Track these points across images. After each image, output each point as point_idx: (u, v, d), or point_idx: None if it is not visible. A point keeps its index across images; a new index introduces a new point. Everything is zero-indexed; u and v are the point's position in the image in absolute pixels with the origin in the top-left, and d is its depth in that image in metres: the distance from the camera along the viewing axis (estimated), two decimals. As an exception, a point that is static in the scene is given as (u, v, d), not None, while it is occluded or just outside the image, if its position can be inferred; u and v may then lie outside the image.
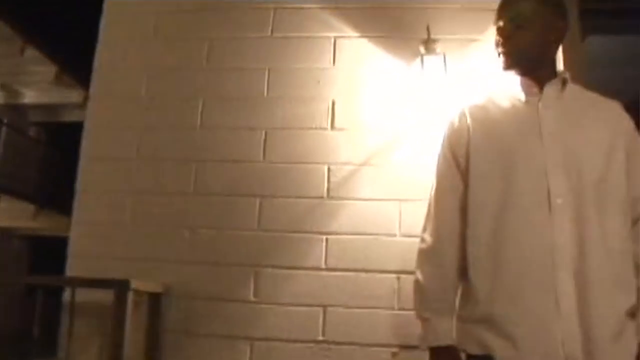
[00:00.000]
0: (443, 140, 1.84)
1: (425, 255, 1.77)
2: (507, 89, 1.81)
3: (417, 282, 1.77)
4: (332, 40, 2.52)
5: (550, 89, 1.76)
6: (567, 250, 1.57)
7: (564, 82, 1.79)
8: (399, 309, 2.21)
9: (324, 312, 2.25)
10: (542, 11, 1.81)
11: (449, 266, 1.72)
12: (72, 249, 2.45)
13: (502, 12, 1.80)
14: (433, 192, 1.81)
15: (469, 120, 1.78)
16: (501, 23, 1.77)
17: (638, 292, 1.63)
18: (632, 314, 1.60)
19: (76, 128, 2.55)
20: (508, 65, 1.78)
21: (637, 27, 2.92)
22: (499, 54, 1.79)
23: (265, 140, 2.44)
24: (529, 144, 1.68)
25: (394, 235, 2.28)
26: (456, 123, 1.81)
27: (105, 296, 2.15)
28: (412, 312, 1.75)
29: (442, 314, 1.70)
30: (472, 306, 1.65)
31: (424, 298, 1.74)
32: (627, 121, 1.79)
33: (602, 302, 1.55)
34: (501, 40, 1.77)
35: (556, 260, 1.56)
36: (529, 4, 1.80)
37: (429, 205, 1.81)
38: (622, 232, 1.63)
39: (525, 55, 1.79)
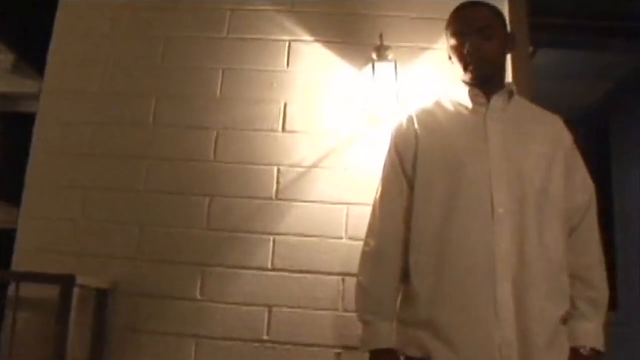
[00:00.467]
0: (390, 145, 1.86)
1: (368, 259, 1.79)
2: (455, 96, 1.85)
3: (359, 285, 1.79)
4: (287, 44, 2.55)
5: (498, 100, 1.80)
6: (507, 258, 1.61)
7: (510, 94, 1.84)
8: (344, 311, 2.24)
9: (270, 312, 2.27)
10: (500, 22, 1.87)
11: (392, 270, 1.74)
12: (20, 243, 2.43)
13: (466, 23, 1.81)
14: (378, 196, 1.84)
15: (416, 126, 1.81)
16: (467, 34, 1.78)
17: (572, 300, 1.70)
18: (565, 320, 1.67)
19: (34, 120, 2.53)
20: (477, 77, 1.79)
21: (585, 43, 3.01)
22: (467, 65, 1.79)
23: (217, 140, 2.45)
24: (475, 153, 1.72)
25: (341, 238, 2.31)
26: (404, 128, 1.84)
27: (52, 292, 2.13)
28: (355, 314, 1.77)
29: (383, 317, 1.72)
30: (413, 310, 1.68)
31: (366, 301, 1.76)
32: (567, 135, 1.86)
33: (539, 310, 1.61)
34: (470, 50, 1.77)
35: (497, 268, 1.60)
36: (491, 15, 1.86)
37: (374, 208, 1.84)
38: (560, 243, 1.70)
39: (493, 65, 1.83)
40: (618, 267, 3.78)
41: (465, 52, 1.78)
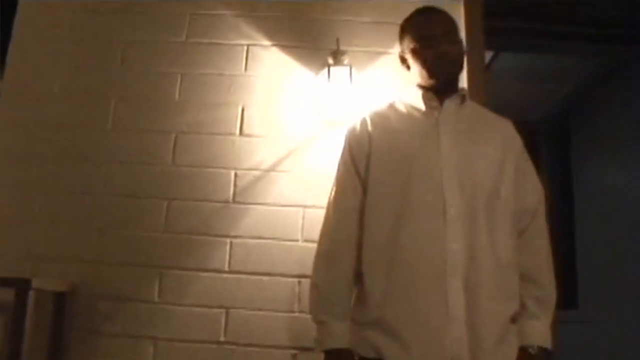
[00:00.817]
0: (344, 146, 1.89)
1: (322, 259, 1.82)
2: (409, 100, 1.89)
3: (313, 285, 1.82)
4: (245, 48, 2.57)
5: (450, 103, 1.84)
6: (458, 258, 1.65)
7: (462, 98, 1.88)
8: (299, 312, 2.27)
9: (227, 314, 2.29)
10: (457, 27, 1.92)
11: (345, 270, 1.76)
12: (-24, 246, 2.43)
13: (432, 27, 1.85)
14: (332, 197, 1.87)
15: (369, 128, 1.84)
16: (434, 38, 1.82)
17: (521, 300, 1.74)
18: (514, 319, 1.71)
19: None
20: (443, 80, 1.84)
21: (543, 47, 3.06)
22: (433, 68, 1.82)
23: (175, 144, 2.46)
24: (427, 155, 1.75)
25: (297, 240, 2.34)
26: (357, 130, 1.87)
27: (9, 295, 2.12)
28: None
29: (337, 317, 1.74)
30: (366, 310, 1.70)
31: (320, 301, 1.78)
32: (517, 139, 1.90)
33: (489, 309, 1.64)
34: (439, 54, 1.81)
35: (448, 268, 1.64)
36: (451, 19, 1.91)
37: (328, 209, 1.87)
38: (510, 243, 1.73)
39: (458, 69, 1.89)
40: (578, 267, 3.85)
41: (433, 55, 1.81)
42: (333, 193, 1.88)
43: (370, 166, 1.80)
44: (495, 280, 1.67)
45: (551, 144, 4.14)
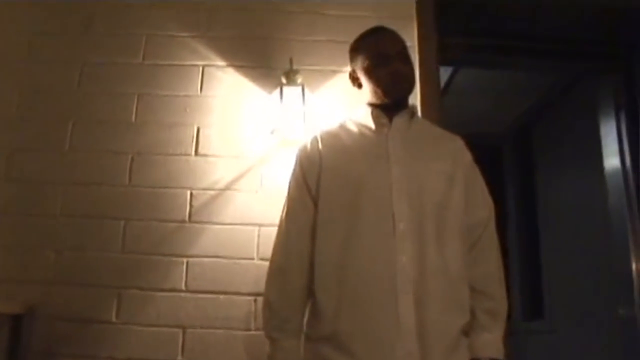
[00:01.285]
0: (295, 164, 1.93)
1: (274, 276, 1.85)
2: (359, 118, 1.92)
3: (265, 302, 1.84)
4: (201, 69, 2.60)
5: (399, 120, 1.87)
6: (408, 272, 1.67)
7: (412, 115, 1.91)
8: (256, 330, 2.28)
9: (184, 333, 2.30)
10: (407, 46, 1.96)
11: (297, 286, 1.79)
12: None
13: (387, 46, 1.90)
14: (284, 214, 1.89)
15: (320, 146, 1.87)
16: (390, 57, 1.87)
17: (472, 312, 1.77)
18: (465, 332, 1.74)
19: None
20: (398, 98, 1.89)
21: (499, 62, 3.11)
22: (389, 86, 1.86)
23: (131, 165, 2.48)
24: (377, 171, 1.78)
25: (252, 259, 2.35)
26: (308, 148, 1.91)
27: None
28: (266, 333, 1.81)
29: (289, 333, 1.77)
30: (319, 325, 1.72)
31: (272, 318, 1.81)
32: (467, 154, 1.94)
33: (439, 322, 1.66)
34: (396, 72, 1.86)
35: (397, 282, 1.66)
36: (402, 40, 1.96)
37: (280, 226, 1.89)
38: (460, 256, 1.76)
39: (412, 87, 1.94)
40: (543, 278, 3.89)
41: (387, 74, 1.86)
42: (285, 210, 1.91)
43: (320, 183, 1.83)
44: (446, 293, 1.70)
45: (514, 156, 4.19)
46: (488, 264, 1.85)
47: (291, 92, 2.37)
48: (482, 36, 2.98)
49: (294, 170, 1.93)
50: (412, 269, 1.68)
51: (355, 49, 2.00)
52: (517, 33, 3.01)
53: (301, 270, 1.80)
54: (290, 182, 1.93)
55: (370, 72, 1.90)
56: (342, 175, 1.81)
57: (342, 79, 2.53)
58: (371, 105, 1.92)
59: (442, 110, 2.53)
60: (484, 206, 1.90)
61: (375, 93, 1.90)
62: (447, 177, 1.83)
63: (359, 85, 1.98)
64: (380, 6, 2.68)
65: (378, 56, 1.89)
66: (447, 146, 1.94)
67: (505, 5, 2.82)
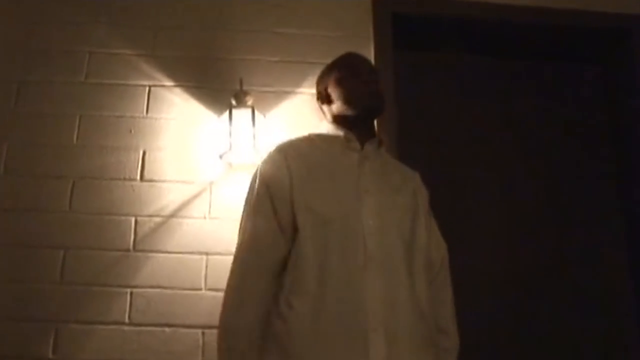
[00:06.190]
0: (258, 181, 1.80)
1: (231, 297, 1.72)
2: (328, 139, 1.86)
3: (222, 328, 1.71)
4: (147, 89, 2.49)
5: (370, 147, 1.84)
6: (379, 309, 1.61)
7: (379, 144, 1.88)
8: (204, 364, 2.17)
9: (127, 369, 2.18)
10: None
11: (256, 309, 1.68)
12: None
13: (363, 66, 1.92)
14: (244, 244, 1.76)
15: (288, 167, 1.77)
16: (365, 75, 1.87)
17: (438, 349, 1.74)
18: None
19: None
20: (372, 114, 1.89)
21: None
22: (364, 101, 1.84)
23: (72, 190, 2.34)
24: (347, 200, 1.72)
25: (200, 289, 2.25)
26: (275, 168, 1.79)
27: None
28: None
29: None
30: None
31: (228, 351, 1.67)
32: (424, 191, 1.95)
33: (409, 358, 1.61)
34: (365, 82, 1.85)
35: (369, 320, 1.59)
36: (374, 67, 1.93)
37: (238, 258, 1.76)
38: (428, 293, 1.73)
39: (381, 105, 1.89)
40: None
41: (360, 83, 1.85)
42: (246, 240, 1.76)
43: (295, 212, 1.71)
44: (417, 331, 1.65)
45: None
46: (445, 302, 1.88)
47: (241, 114, 2.29)
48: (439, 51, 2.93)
49: (256, 193, 1.78)
50: (383, 306, 1.62)
51: (328, 68, 2.00)
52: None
53: (261, 290, 1.69)
54: (249, 207, 1.80)
55: (342, 82, 1.88)
56: (312, 209, 1.70)
57: (294, 100, 2.48)
58: (339, 123, 1.86)
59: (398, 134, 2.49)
60: (439, 247, 1.93)
61: (347, 102, 1.86)
62: (412, 212, 1.81)
63: (329, 102, 1.92)
64: (335, 25, 2.62)
65: (352, 68, 1.90)
66: (408, 181, 1.92)
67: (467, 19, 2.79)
